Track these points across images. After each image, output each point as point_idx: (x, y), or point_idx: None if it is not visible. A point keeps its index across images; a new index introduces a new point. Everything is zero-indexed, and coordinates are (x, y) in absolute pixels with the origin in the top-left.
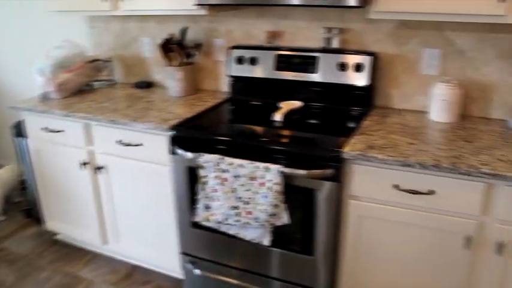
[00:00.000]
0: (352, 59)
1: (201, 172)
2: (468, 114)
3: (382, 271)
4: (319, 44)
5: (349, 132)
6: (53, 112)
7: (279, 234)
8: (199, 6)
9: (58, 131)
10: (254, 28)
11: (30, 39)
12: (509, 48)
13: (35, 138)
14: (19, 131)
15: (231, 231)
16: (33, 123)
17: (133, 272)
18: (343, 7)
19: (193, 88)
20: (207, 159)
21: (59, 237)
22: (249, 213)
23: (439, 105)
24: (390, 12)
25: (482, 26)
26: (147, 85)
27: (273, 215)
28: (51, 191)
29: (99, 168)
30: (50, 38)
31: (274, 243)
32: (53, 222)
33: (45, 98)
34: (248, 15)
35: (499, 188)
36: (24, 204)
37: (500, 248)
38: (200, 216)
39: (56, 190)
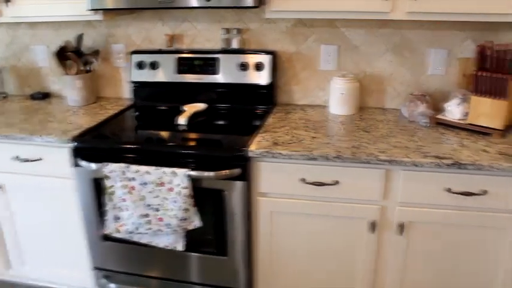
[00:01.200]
0: (252, 59)
1: (107, 182)
2: (366, 106)
3: (295, 263)
4: (220, 45)
5: (254, 131)
6: None
7: (193, 238)
8: (94, 11)
9: None
10: (153, 32)
11: None
12: (398, 42)
13: None
14: None
15: (144, 240)
16: None
17: None
18: (239, 8)
19: (94, 96)
20: (112, 168)
21: None
22: (160, 220)
23: (338, 99)
24: (286, 12)
25: (373, 22)
26: (44, 96)
27: (184, 219)
28: None
29: None
30: None
31: (189, 247)
32: None
33: None
34: (146, 19)
35: (396, 173)
36: None
37: (401, 228)
38: (110, 228)
39: None
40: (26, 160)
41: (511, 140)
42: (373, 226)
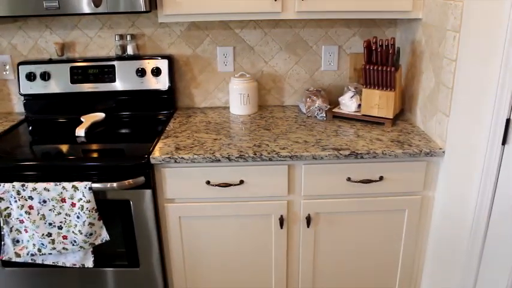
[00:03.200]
0: (149, 64)
1: (2, 204)
2: (266, 104)
3: (210, 266)
4: (114, 52)
5: (155, 137)
6: None
7: (103, 253)
8: None
9: None
10: (41, 41)
11: None
12: (291, 40)
13: None
14: None
15: (49, 261)
16: None
17: None
18: (131, 13)
19: None
20: (5, 189)
21: None
22: (65, 237)
23: (238, 100)
24: (179, 15)
25: (266, 23)
26: None
27: (90, 234)
28: None
29: None
30: None
31: (100, 263)
32: None
33: None
34: (33, 27)
35: (299, 167)
36: None
37: (308, 220)
38: (9, 253)
39: None
40: None
41: (401, 128)
42: (281, 221)
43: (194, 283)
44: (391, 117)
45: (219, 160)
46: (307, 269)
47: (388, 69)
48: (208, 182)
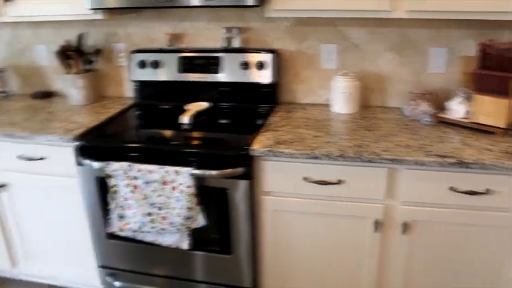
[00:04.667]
0: (254, 58)
1: (110, 181)
2: (368, 105)
3: (300, 261)
4: (220, 44)
5: (256, 130)
6: None
7: (198, 237)
8: (95, 11)
9: None
10: (154, 31)
11: None
12: (398, 41)
13: None
14: None
15: (148, 239)
16: None
17: None
18: (240, 7)
19: (96, 95)
20: (115, 167)
21: None
22: (164, 218)
23: (340, 98)
24: (286, 11)
25: (373, 21)
26: (46, 95)
27: (188, 218)
28: None
29: (0, 186)
30: None
31: (194, 246)
32: None
33: None
34: (147, 18)
35: (400, 172)
36: None
37: (405, 227)
38: (115, 226)
39: None
40: (30, 159)
41: None
42: (376, 225)
43: (283, 275)
44: (504, 126)
45: (318, 157)
46: (400, 278)
47: (506, 76)
48: (305, 178)
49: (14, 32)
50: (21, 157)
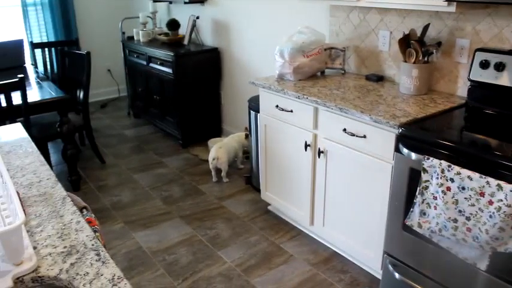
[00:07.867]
0: None
1: (423, 176)
2: None
3: None
4: None
5: None
6: (287, 92)
7: (501, 262)
8: (449, 3)
9: (288, 111)
10: (506, 30)
11: (277, 24)
12: None
13: (266, 114)
14: (254, 105)
15: (443, 244)
16: (267, 100)
17: (332, 257)
18: None
19: (426, 88)
20: (432, 163)
21: (270, 207)
22: (469, 230)
23: None
24: None
25: None
26: (378, 79)
27: (496, 238)
28: (271, 165)
29: (320, 152)
30: (294, 24)
31: (490, 269)
32: (268, 194)
33: (281, 78)
34: (502, 15)
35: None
36: (245, 171)
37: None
38: (413, 220)
39: (276, 165)
40: (353, 134)
41: None
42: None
43: None
44: None
45: None
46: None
47: None
48: None
49: (363, 17)
50: (344, 131)
